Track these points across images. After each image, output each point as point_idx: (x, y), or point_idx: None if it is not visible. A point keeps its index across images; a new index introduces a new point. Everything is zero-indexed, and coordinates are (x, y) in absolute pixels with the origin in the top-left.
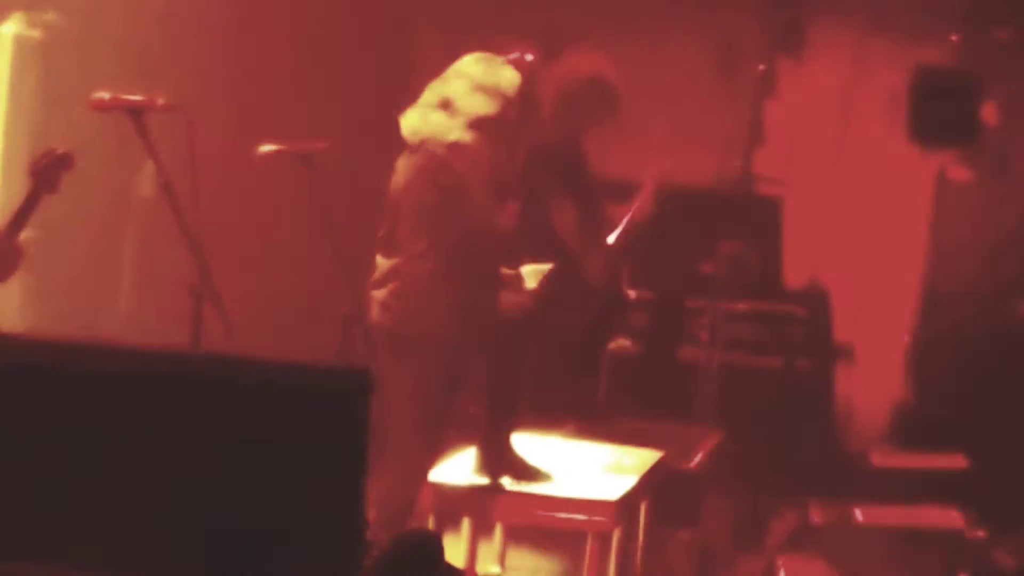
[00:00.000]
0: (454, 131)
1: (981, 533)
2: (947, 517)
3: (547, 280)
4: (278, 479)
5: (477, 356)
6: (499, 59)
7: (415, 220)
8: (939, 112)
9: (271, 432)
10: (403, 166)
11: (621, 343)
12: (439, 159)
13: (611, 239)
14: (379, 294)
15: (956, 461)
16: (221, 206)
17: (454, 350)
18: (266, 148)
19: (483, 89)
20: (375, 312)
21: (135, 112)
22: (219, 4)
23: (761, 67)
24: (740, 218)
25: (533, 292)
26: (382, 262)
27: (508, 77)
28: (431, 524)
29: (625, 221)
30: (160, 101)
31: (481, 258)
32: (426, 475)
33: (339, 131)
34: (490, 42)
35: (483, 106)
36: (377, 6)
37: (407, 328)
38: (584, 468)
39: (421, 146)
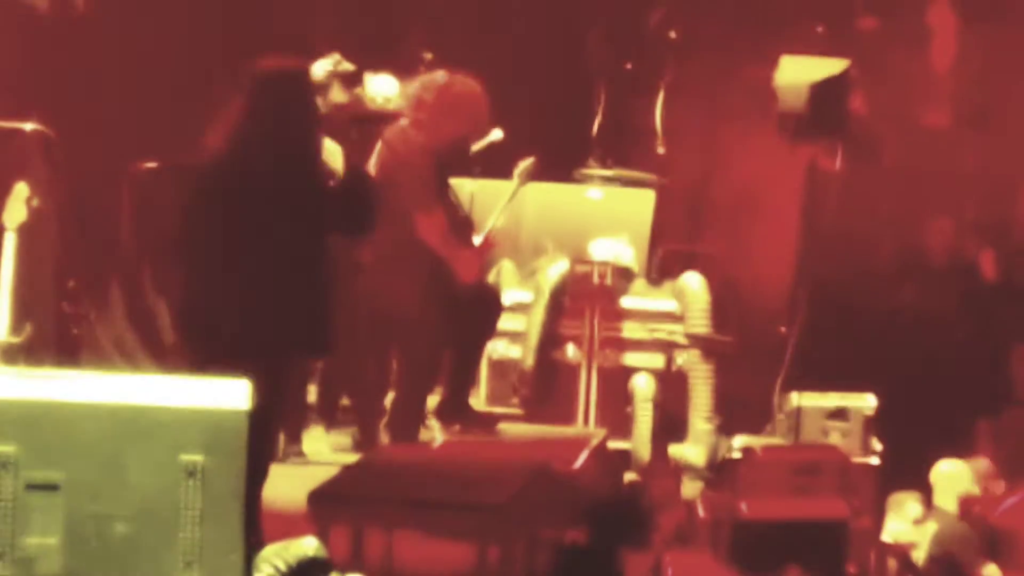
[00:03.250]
0: None
1: (866, 521)
2: (832, 507)
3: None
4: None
5: None
6: None
7: None
8: (807, 104)
9: None
10: None
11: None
12: None
13: (478, 240)
14: None
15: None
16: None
17: None
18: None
19: None
20: None
21: (6, 137)
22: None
23: (628, 65)
24: (614, 215)
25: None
26: None
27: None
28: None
29: (495, 218)
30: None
31: None
32: None
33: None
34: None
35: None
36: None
37: None
38: (468, 472)
39: None
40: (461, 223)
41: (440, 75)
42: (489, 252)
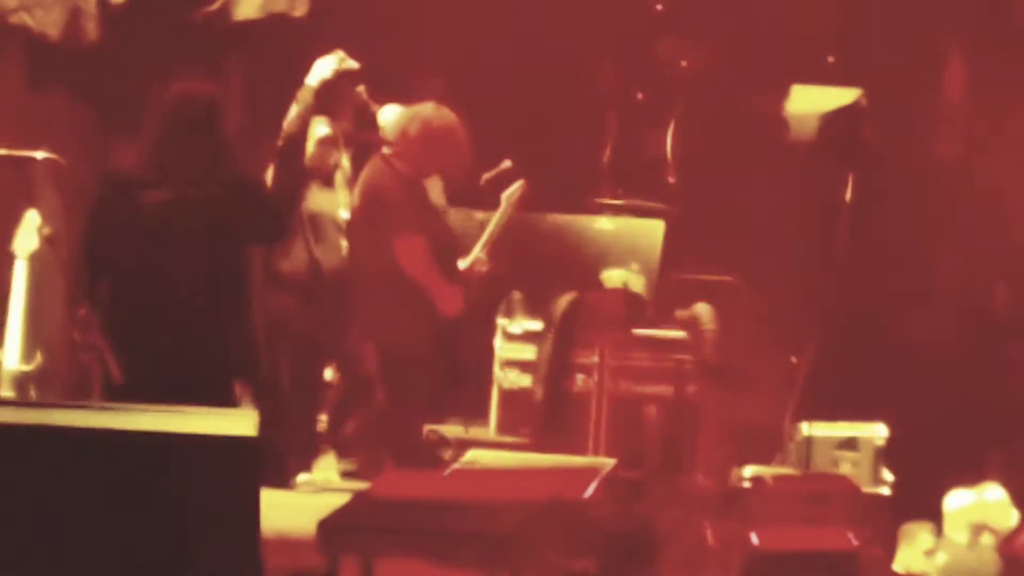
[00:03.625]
0: None
1: (877, 551)
2: (843, 538)
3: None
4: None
5: None
6: None
7: None
8: (818, 134)
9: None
10: None
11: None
12: None
13: (463, 264)
14: None
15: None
16: None
17: None
18: None
19: None
20: None
21: (17, 165)
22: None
23: (639, 95)
24: (624, 245)
25: None
26: None
27: None
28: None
29: (481, 245)
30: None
31: None
32: None
33: None
34: None
35: None
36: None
37: None
38: (478, 501)
39: None
40: (445, 251)
41: (425, 108)
42: (475, 278)
